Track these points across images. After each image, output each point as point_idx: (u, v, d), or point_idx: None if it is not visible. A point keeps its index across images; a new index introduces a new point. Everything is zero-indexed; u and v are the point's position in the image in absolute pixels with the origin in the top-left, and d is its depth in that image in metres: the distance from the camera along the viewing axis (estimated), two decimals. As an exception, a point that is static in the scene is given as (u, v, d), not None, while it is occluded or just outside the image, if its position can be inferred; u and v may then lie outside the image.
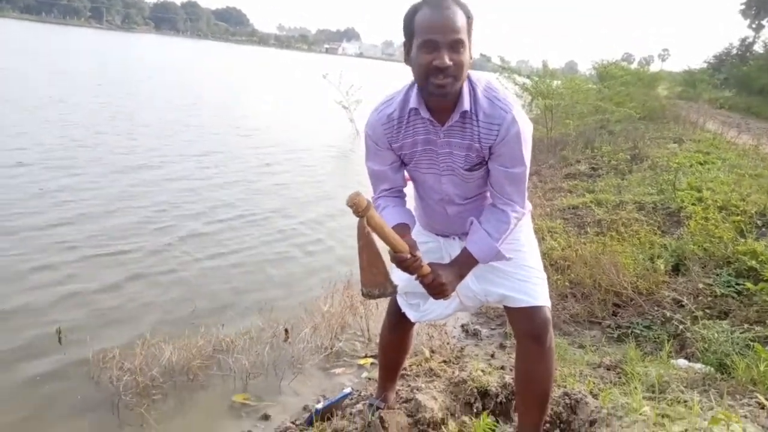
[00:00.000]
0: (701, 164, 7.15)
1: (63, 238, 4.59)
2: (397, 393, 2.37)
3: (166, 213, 5.58)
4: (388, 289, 1.52)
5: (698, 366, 2.66)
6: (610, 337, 3.39)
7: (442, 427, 2.16)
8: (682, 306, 3.42)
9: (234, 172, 7.74)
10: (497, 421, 2.18)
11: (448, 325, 3.52)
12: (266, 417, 2.61)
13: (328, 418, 2.33)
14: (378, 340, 2.30)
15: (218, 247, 4.86)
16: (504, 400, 2.36)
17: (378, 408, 2.16)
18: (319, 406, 2.49)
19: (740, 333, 2.76)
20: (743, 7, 29.27)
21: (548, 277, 1.91)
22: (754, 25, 29.03)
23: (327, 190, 7.37)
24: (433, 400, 2.27)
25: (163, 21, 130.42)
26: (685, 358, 2.90)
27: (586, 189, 6.74)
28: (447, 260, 1.78)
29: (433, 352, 3.05)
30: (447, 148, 1.64)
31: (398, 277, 1.65)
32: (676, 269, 4.07)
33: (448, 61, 1.46)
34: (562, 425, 2.10)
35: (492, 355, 3.14)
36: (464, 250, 1.70)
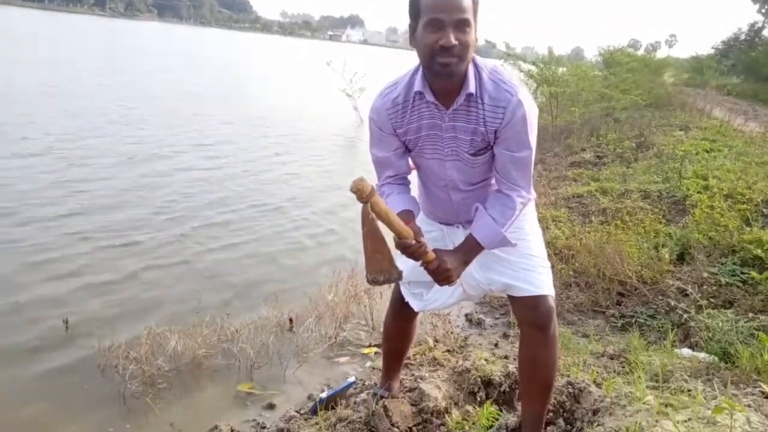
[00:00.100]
0: (707, 152, 7.09)
1: (74, 229, 4.60)
2: (401, 382, 2.38)
3: (177, 203, 5.58)
4: (394, 275, 1.51)
5: (702, 355, 2.66)
6: (613, 327, 3.39)
7: (446, 416, 2.16)
8: (687, 295, 3.41)
9: (244, 162, 7.72)
10: (501, 410, 2.19)
11: (451, 315, 3.53)
12: (271, 406, 2.63)
13: (333, 407, 2.34)
14: (382, 330, 2.31)
15: (230, 237, 4.86)
16: (507, 389, 2.36)
17: (382, 397, 2.17)
18: (324, 395, 2.50)
19: (745, 322, 2.76)
20: (754, -9, 28.85)
21: (552, 266, 1.90)
22: (764, 10, 28.57)
23: (336, 179, 7.35)
24: (436, 389, 2.28)
25: (166, 8, 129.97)
26: (689, 347, 2.90)
27: (591, 177, 6.71)
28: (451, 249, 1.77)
29: (436, 341, 3.06)
30: (452, 132, 1.62)
31: (402, 264, 1.64)
32: (681, 258, 4.06)
33: (453, 41, 1.44)
34: (565, 414, 2.10)
35: (496, 345, 3.15)
36: (469, 236, 1.68)
